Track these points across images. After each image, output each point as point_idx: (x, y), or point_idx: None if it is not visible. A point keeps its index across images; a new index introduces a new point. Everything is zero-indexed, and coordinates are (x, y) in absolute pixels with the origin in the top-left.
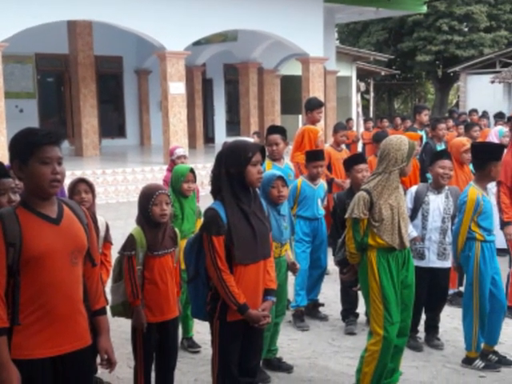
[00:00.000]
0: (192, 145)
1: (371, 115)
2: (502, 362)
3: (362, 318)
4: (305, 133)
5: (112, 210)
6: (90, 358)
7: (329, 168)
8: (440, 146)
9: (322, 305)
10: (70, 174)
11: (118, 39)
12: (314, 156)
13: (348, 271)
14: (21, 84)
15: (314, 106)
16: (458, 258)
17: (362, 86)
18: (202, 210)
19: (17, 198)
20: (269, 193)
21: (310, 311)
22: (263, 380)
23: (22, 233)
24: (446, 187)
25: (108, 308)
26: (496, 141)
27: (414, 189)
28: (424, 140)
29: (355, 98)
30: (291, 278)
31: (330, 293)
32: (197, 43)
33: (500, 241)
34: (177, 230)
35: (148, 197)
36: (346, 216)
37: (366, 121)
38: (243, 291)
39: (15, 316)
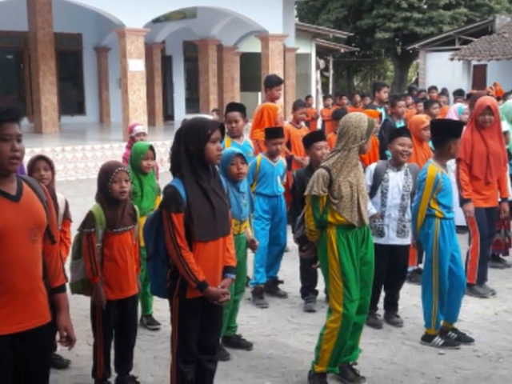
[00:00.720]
0: (151, 122)
1: (330, 92)
2: (462, 339)
3: (321, 295)
4: (264, 110)
5: (71, 188)
6: (50, 335)
7: (288, 145)
8: (399, 123)
9: (282, 282)
10: (30, 151)
11: (77, 16)
12: (274, 133)
13: (307, 248)
14: None
15: (274, 83)
16: (418, 235)
17: (322, 63)
18: (162, 187)
19: None
20: (228, 170)
21: (270, 288)
22: (223, 357)
23: None
24: (406, 164)
25: (67, 285)
26: (455, 118)
27: (373, 166)
28: (383, 117)
29: (314, 76)
30: (250, 256)
31: (290, 270)
32: (156, 20)
33: (459, 218)
34: (136, 207)
35: (107, 174)
36: (306, 193)
37: (325, 98)
38: (202, 268)
39: None
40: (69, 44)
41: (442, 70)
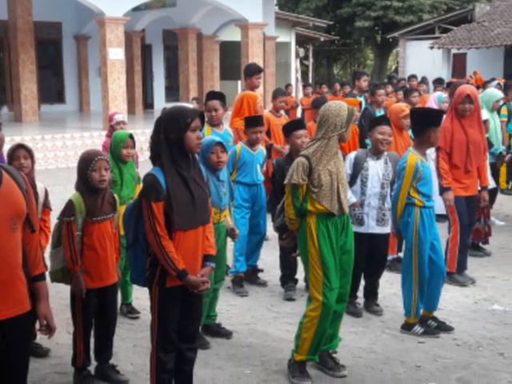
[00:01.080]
0: (131, 110)
1: (310, 81)
2: (441, 327)
3: (301, 283)
4: (244, 98)
5: (51, 176)
6: (30, 324)
7: (268, 134)
8: (379, 112)
9: (261, 271)
10: (9, 139)
11: (57, 5)
12: (253, 122)
13: (287, 237)
14: None
15: (253, 71)
16: (397, 223)
17: (301, 51)
18: (141, 175)
19: None
20: (208, 159)
21: (249, 277)
22: (202, 346)
23: None
24: (385, 153)
25: (47, 274)
26: (435, 107)
27: (353, 154)
28: (363, 106)
29: (294, 64)
30: (230, 244)
31: (269, 259)
32: (136, 9)
33: (439, 207)
34: (116, 195)
35: (87, 163)
36: (285, 182)
37: (304, 87)
38: (182, 257)
39: None
40: (48, 33)
41: (421, 59)
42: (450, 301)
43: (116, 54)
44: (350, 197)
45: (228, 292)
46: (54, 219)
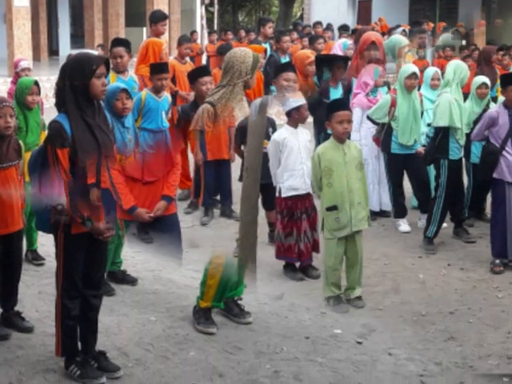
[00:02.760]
0: (36, 57)
1: (215, 28)
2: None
3: None
4: (149, 45)
5: None
6: None
7: (173, 81)
8: (284, 59)
9: None
10: None
11: None
12: (159, 68)
13: None
14: None
15: (158, 18)
16: None
17: None
18: (47, 122)
19: None
20: (113, 105)
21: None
22: (107, 292)
23: None
24: None
25: None
26: (340, 53)
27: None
28: (268, 52)
29: (199, 11)
30: None
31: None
32: None
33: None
34: (21, 142)
35: None
36: (191, 128)
37: (210, 33)
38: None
39: None
40: None
41: (327, 6)
42: None
43: (21, 0)
44: None
45: (133, 238)
46: None
